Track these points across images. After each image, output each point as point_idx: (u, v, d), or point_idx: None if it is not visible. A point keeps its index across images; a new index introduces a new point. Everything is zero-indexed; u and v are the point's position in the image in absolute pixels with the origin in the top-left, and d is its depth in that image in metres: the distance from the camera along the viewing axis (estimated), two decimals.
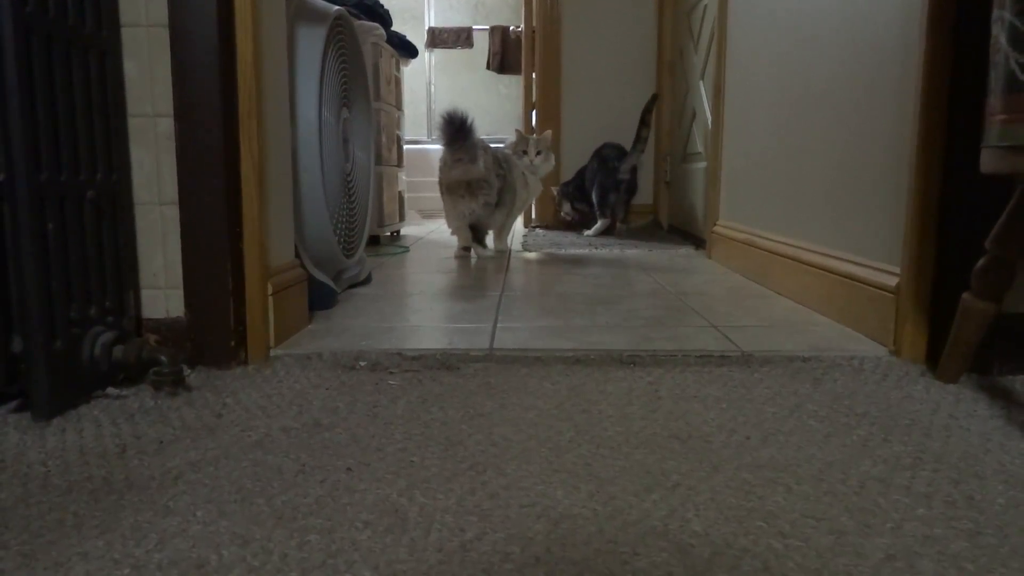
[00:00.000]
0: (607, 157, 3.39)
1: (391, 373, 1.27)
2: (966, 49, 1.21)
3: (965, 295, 1.17)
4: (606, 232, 3.44)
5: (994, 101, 1.01)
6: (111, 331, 1.15)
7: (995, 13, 1.01)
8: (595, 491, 0.81)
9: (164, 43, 1.24)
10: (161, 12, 1.23)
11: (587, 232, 3.46)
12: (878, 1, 1.46)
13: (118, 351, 1.14)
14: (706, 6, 3.05)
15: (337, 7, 1.83)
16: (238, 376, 1.25)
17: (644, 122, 3.34)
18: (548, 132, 3.01)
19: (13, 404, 1.08)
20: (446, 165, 2.60)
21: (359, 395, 1.15)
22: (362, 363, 1.32)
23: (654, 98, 3.38)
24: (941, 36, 1.24)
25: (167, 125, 1.25)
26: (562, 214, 3.66)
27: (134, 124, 1.26)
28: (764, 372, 1.27)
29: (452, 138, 2.53)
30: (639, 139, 3.36)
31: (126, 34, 1.24)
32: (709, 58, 2.96)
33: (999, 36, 1.00)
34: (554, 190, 3.68)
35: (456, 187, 2.62)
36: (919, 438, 0.97)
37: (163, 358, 1.14)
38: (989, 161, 1.05)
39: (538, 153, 2.87)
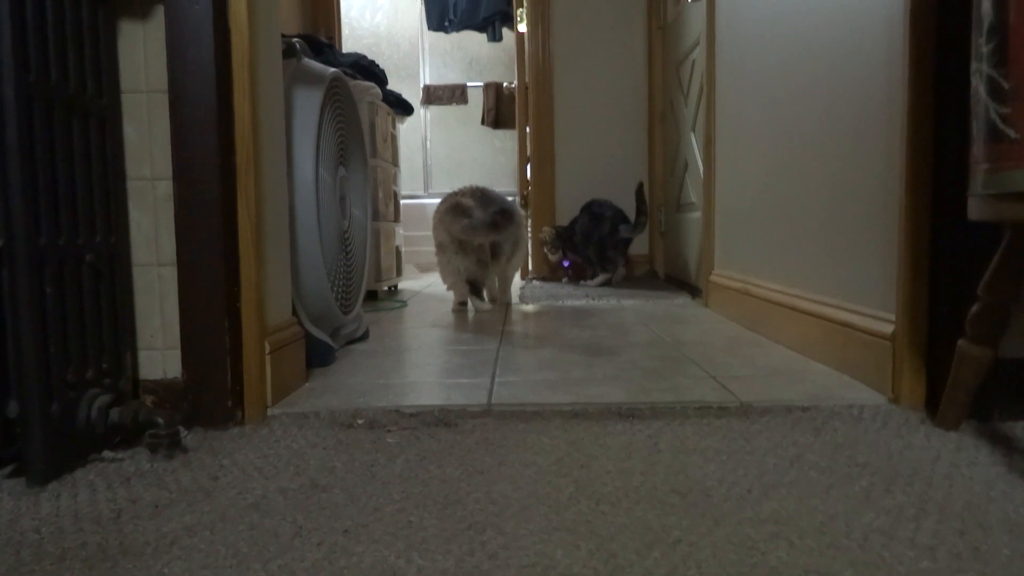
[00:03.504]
0: (600, 215, 3.43)
1: (389, 431, 1.26)
2: (948, 98, 1.24)
3: (961, 341, 1.17)
4: (604, 283, 3.47)
5: (977, 150, 1.03)
6: (108, 393, 1.14)
7: (973, 66, 1.04)
8: (595, 549, 0.80)
9: (163, 108, 1.26)
10: (161, 78, 1.26)
11: (588, 283, 3.48)
12: (862, 54, 1.49)
13: (114, 414, 1.13)
14: (695, 60, 3.12)
15: (334, 69, 1.87)
16: (235, 436, 1.24)
17: (640, 211, 3.41)
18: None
19: (8, 469, 1.07)
20: (459, 222, 2.61)
21: (357, 454, 1.14)
22: (360, 421, 1.31)
23: (640, 186, 3.44)
24: (923, 86, 1.27)
25: (166, 187, 1.27)
26: (552, 258, 3.65)
27: (133, 187, 1.27)
28: (764, 423, 1.26)
29: (495, 228, 2.58)
30: (638, 224, 3.43)
31: (126, 99, 1.26)
32: (699, 110, 3.02)
33: (979, 87, 1.02)
34: (544, 234, 3.68)
35: (449, 244, 2.65)
36: (922, 488, 0.96)
37: (159, 420, 1.14)
38: (976, 208, 1.07)
39: None
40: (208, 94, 1.25)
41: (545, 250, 3.66)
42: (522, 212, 2.89)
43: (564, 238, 3.60)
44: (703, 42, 2.77)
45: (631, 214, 3.44)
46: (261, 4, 1.38)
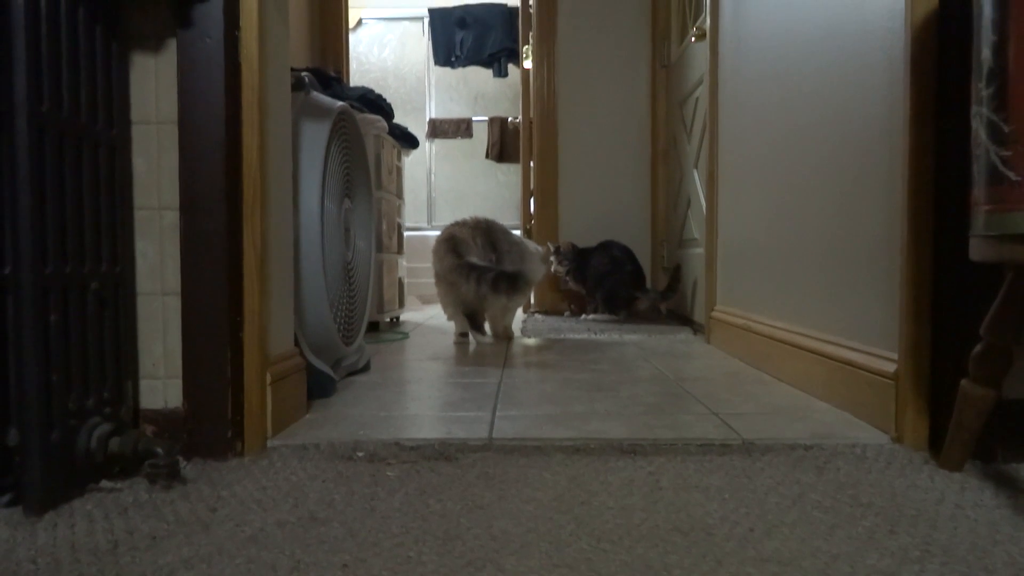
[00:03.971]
0: (621, 264, 3.45)
1: (389, 464, 1.25)
2: (949, 139, 1.25)
3: (964, 382, 1.17)
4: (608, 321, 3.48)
5: (978, 192, 1.04)
6: (108, 422, 1.14)
7: (974, 109, 1.05)
8: None
9: (173, 139, 1.28)
10: (171, 110, 1.28)
11: (596, 316, 3.49)
12: (863, 94, 1.51)
13: (114, 443, 1.12)
14: (698, 98, 3.15)
15: (341, 103, 1.89)
16: (234, 468, 1.23)
17: (672, 287, 3.45)
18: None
19: (6, 498, 1.07)
20: (452, 271, 2.59)
21: (356, 487, 1.14)
22: (360, 453, 1.30)
23: (677, 267, 3.48)
24: (923, 127, 1.29)
25: (172, 217, 1.28)
26: (553, 268, 3.62)
27: (140, 216, 1.28)
28: (766, 461, 1.25)
29: (494, 289, 2.54)
30: (665, 296, 3.47)
31: (136, 130, 1.28)
32: (702, 147, 3.04)
33: (979, 130, 1.04)
34: (561, 243, 3.66)
35: (443, 276, 2.63)
36: (926, 529, 0.95)
37: (159, 450, 1.13)
38: (977, 249, 1.07)
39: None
40: (217, 126, 1.27)
41: (552, 258, 3.63)
42: (534, 271, 2.77)
43: (576, 258, 3.59)
44: (706, 81, 2.80)
45: (638, 253, 3.49)
46: (271, 39, 1.41)
